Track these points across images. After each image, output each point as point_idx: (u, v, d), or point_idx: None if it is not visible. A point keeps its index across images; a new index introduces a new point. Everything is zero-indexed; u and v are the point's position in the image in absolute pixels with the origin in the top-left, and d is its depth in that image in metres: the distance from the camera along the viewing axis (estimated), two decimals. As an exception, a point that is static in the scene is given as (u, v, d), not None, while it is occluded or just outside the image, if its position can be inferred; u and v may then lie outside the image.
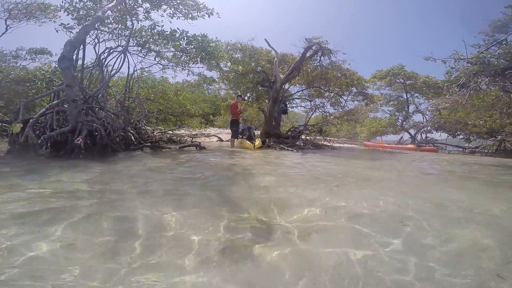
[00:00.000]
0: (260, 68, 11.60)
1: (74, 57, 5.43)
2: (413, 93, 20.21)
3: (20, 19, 9.31)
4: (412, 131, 20.22)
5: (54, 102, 5.04)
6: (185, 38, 7.87)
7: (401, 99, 20.82)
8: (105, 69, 7.40)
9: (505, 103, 8.44)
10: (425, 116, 20.03)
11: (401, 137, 21.03)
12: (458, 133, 17.42)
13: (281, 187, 2.82)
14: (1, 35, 8.72)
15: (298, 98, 14.43)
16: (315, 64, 10.05)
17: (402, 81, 19.49)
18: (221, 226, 1.73)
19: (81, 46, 5.70)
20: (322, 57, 9.45)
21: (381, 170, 4.67)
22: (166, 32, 7.80)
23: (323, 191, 2.72)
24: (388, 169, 4.97)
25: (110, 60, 7.59)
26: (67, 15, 6.80)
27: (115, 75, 10.03)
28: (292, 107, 16.49)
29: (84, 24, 6.15)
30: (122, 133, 5.74)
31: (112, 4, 6.40)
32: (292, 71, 8.95)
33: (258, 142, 8.60)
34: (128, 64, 8.47)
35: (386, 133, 22.05)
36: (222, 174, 3.61)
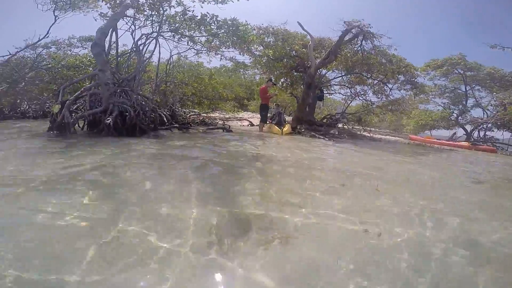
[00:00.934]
0: (295, 53, 11.00)
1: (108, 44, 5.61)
2: (474, 85, 17.64)
3: (66, 9, 9.88)
4: (469, 127, 17.85)
5: (87, 86, 5.31)
6: (216, 22, 7.78)
7: (459, 91, 18.34)
8: (143, 55, 7.68)
9: None
10: (487, 112, 17.46)
11: (455, 133, 18.73)
12: (526, 132, 14.92)
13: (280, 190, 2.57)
14: (51, 25, 9.42)
15: (336, 85, 13.49)
16: (356, 48, 9.14)
17: (462, 72, 17.05)
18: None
19: (113, 33, 5.83)
20: (363, 42, 8.52)
21: (418, 175, 4.10)
22: (197, 17, 7.76)
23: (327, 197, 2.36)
24: (429, 172, 4.36)
25: (148, 46, 7.86)
26: (105, 4, 7.09)
27: (151, 60, 10.58)
28: (331, 94, 15.57)
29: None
30: (152, 115, 5.89)
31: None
32: (328, 55, 8.30)
33: (286, 128, 8.32)
34: (160, 49, 8.58)
35: (437, 127, 19.87)
36: (228, 160, 3.47)
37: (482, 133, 17.31)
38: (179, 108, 9.61)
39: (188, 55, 11.02)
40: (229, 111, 14.45)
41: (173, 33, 8.33)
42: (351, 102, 13.31)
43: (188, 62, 12.18)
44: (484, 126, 16.71)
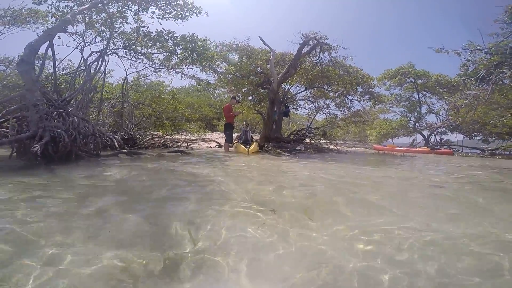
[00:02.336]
0: (260, 69, 10.99)
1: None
2: (425, 93, 19.09)
3: (10, 25, 9.15)
4: (426, 133, 19.06)
5: (11, 108, 4.56)
6: (172, 38, 7.49)
7: (413, 99, 19.73)
8: (92, 73, 7.03)
9: None
10: (439, 117, 18.87)
11: (414, 139, 19.91)
12: (476, 133, 16.19)
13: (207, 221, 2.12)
14: (-6, 41, 8.60)
15: (302, 100, 13.68)
16: (314, 61, 9.28)
17: (413, 80, 18.42)
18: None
19: (50, 49, 5.19)
20: (321, 54, 8.68)
21: (381, 186, 3.90)
22: (152, 34, 7.45)
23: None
24: (391, 181, 4.18)
25: (100, 64, 7.27)
26: (55, 20, 6.51)
27: (107, 79, 9.89)
28: (297, 109, 15.77)
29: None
30: (94, 140, 5.19)
31: (84, 6, 6.01)
32: (288, 69, 8.26)
33: (253, 146, 7.94)
34: (105, 68, 7.96)
35: (398, 136, 20.97)
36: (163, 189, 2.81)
37: (438, 137, 18.54)
38: (133, 132, 8.81)
39: (148, 74, 10.49)
40: (195, 132, 13.86)
41: (125, 50, 7.87)
42: (315, 116, 13.50)
43: (148, 81, 11.60)
44: (439, 130, 17.94)
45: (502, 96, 7.38)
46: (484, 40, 6.47)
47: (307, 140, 12.61)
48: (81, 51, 6.89)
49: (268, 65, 10.09)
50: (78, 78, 7.20)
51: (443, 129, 17.52)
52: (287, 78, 8.87)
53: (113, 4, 7.00)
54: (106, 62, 7.21)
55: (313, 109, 13.20)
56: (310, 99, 13.09)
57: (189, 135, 13.62)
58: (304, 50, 8.32)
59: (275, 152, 8.09)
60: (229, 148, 8.57)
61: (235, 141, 8.89)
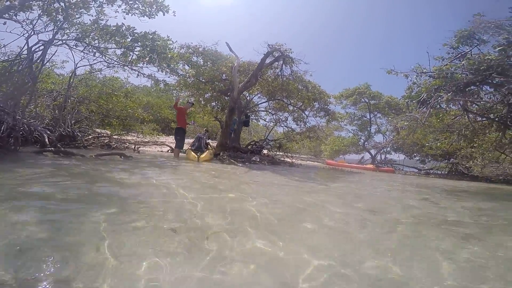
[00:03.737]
0: (224, 76, 10.77)
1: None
2: (376, 113, 20.72)
3: None
4: (373, 151, 20.61)
5: None
6: (131, 34, 6.95)
7: (365, 118, 21.25)
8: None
9: (463, 124, 8.30)
10: (385, 137, 20.59)
11: (362, 157, 21.36)
12: (415, 154, 17.97)
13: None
14: None
15: (263, 111, 13.78)
16: (277, 73, 9.39)
17: (367, 100, 19.90)
18: None
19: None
20: (283, 66, 8.83)
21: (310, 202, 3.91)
22: (111, 27, 6.85)
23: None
24: (322, 199, 4.24)
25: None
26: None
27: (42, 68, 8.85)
28: (258, 120, 15.85)
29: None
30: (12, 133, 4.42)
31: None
32: (250, 79, 8.20)
33: (204, 154, 7.61)
34: (45, 57, 7.12)
35: (349, 152, 22.31)
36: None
37: (384, 156, 20.16)
38: (72, 128, 7.89)
39: (103, 69, 9.52)
40: (147, 134, 12.97)
41: (76, 42, 7.08)
42: (272, 128, 13.67)
43: (101, 76, 10.58)
44: (384, 150, 19.56)
45: (439, 120, 8.15)
46: (431, 64, 7.10)
47: (265, 151, 12.69)
48: (27, 39, 6.02)
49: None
50: (15, 67, 6.23)
51: (388, 148, 19.13)
52: (248, 87, 8.80)
53: None
54: (53, 52, 6.53)
55: (272, 121, 13.33)
56: (271, 110, 13.27)
57: (140, 136, 12.70)
58: (268, 60, 8.35)
59: (227, 161, 7.87)
60: (180, 154, 8.11)
61: (188, 148, 8.45)
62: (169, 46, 7.34)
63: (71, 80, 8.59)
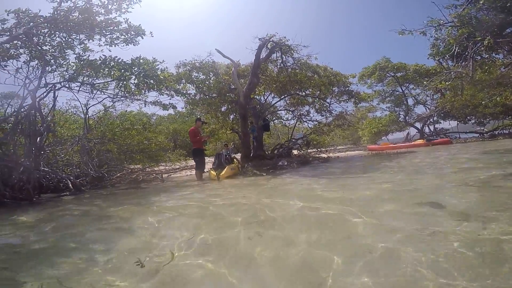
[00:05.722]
0: (233, 86, 10.25)
1: None
2: (407, 84, 18.55)
3: None
4: (419, 125, 18.30)
5: None
6: (117, 64, 6.82)
7: (397, 93, 19.13)
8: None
9: None
10: (427, 106, 18.20)
11: (408, 133, 19.10)
12: (469, 117, 15.43)
13: None
14: None
15: (282, 110, 12.89)
16: (278, 65, 8.53)
17: (393, 74, 17.91)
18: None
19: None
20: (284, 57, 7.95)
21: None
22: (97, 61, 6.81)
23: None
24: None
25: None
26: None
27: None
28: (280, 122, 14.94)
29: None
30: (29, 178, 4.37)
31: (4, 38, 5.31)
32: (250, 80, 7.50)
33: (224, 171, 7.02)
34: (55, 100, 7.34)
35: (391, 132, 20.19)
36: None
37: (432, 127, 17.77)
38: (95, 169, 7.95)
39: (117, 105, 9.69)
40: (175, 161, 12.94)
41: (69, 83, 7.20)
42: (294, 126, 12.70)
43: (119, 113, 10.81)
44: (431, 120, 17.21)
45: (486, 74, 6.59)
46: (444, 14, 5.78)
47: (295, 152, 11.74)
48: (26, 87, 6.20)
49: (241, 80, 9.34)
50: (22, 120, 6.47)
51: (435, 118, 16.79)
52: (253, 89, 8.10)
53: (57, 34, 6.43)
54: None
55: (294, 118, 12.41)
56: (291, 108, 12.34)
57: (169, 164, 12.68)
58: (264, 55, 7.58)
59: (251, 172, 7.18)
60: (204, 175, 7.65)
61: (210, 168, 7.97)
62: (157, 67, 7.01)
63: (87, 123, 8.85)
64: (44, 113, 7.37)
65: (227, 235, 1.92)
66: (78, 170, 8.31)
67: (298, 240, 1.70)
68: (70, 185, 6.07)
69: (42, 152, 6.94)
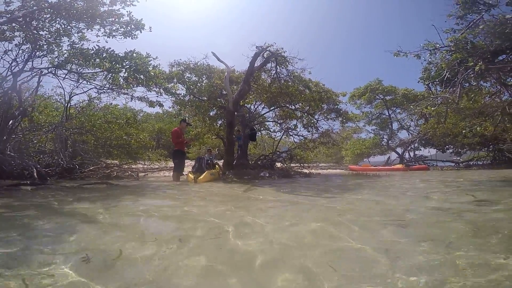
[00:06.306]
0: (224, 91, 10.14)
1: None
2: (394, 108, 19.17)
3: None
4: (400, 150, 18.86)
5: None
6: (110, 56, 6.61)
7: (384, 116, 19.71)
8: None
9: (501, 103, 6.89)
10: (411, 132, 18.84)
11: (389, 157, 19.60)
12: (448, 146, 16.04)
13: None
14: None
15: (271, 121, 12.87)
16: (272, 75, 8.51)
17: (382, 97, 18.49)
18: None
19: None
20: (278, 67, 7.96)
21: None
22: (90, 51, 6.59)
23: None
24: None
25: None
26: None
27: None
28: (268, 133, 14.90)
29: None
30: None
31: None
32: (242, 86, 7.44)
33: (203, 175, 6.83)
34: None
35: (373, 154, 20.66)
36: None
37: (412, 153, 18.32)
38: (65, 160, 7.55)
39: (103, 97, 9.32)
40: (154, 161, 12.54)
41: (55, 69, 6.90)
42: (280, 139, 12.70)
43: (104, 105, 10.39)
44: (412, 146, 17.76)
45: (471, 102, 6.83)
46: (442, 38, 5.96)
47: (278, 165, 11.68)
48: (11, 69, 5.92)
49: (235, 86, 9.25)
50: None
51: (416, 144, 17.36)
52: (243, 96, 8.03)
53: (58, 21, 6.22)
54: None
55: (280, 130, 12.41)
56: (279, 120, 12.35)
57: (147, 163, 12.27)
58: (258, 63, 7.57)
59: (230, 180, 7.04)
60: (181, 178, 7.40)
61: (189, 171, 7.74)
62: (149, 63, 6.85)
63: (68, 111, 8.44)
64: (25, 97, 7.06)
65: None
66: (49, 158, 7.93)
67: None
68: (35, 174, 5.75)
69: (13, 136, 6.60)
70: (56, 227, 2.14)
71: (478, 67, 4.45)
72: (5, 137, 5.84)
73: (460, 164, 15.10)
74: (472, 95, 5.98)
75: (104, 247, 1.63)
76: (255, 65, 7.39)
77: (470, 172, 10.13)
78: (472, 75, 4.71)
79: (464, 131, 9.67)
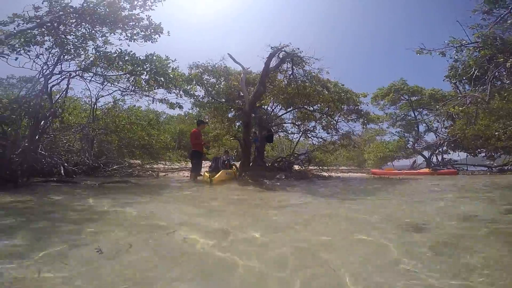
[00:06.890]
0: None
1: None
2: (420, 110, 18.18)
3: None
4: (427, 153, 17.83)
5: None
6: (130, 58, 6.90)
7: (409, 117, 18.76)
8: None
9: None
10: (438, 135, 17.76)
11: (414, 161, 18.61)
12: (479, 150, 14.92)
13: None
14: None
15: (289, 123, 12.74)
16: (288, 76, 8.40)
17: (407, 97, 17.62)
18: None
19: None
20: (294, 68, 7.85)
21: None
22: (113, 54, 6.94)
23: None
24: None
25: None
26: None
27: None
28: (287, 135, 14.74)
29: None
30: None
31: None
32: (257, 88, 7.43)
33: (218, 174, 6.91)
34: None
35: (398, 158, 19.74)
36: None
37: (440, 157, 17.27)
38: (91, 159, 7.96)
39: (126, 99, 9.84)
40: (174, 161, 12.88)
41: (83, 72, 7.32)
42: (298, 141, 12.51)
43: (128, 107, 10.87)
44: (440, 149, 16.74)
45: (504, 101, 6.27)
46: (468, 34, 5.54)
47: (296, 167, 11.53)
48: (43, 73, 6.32)
49: (251, 88, 9.29)
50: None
51: (444, 147, 16.35)
52: (258, 97, 8.02)
53: (83, 26, 6.62)
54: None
55: (298, 132, 12.25)
56: (296, 122, 12.19)
57: (168, 164, 12.63)
58: (274, 64, 7.52)
59: (245, 182, 7.04)
60: (198, 178, 7.54)
61: (206, 171, 7.87)
62: (168, 65, 7.04)
63: (94, 113, 8.94)
64: (55, 99, 7.55)
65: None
66: (77, 157, 8.42)
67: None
68: (62, 172, 6.18)
69: (46, 136, 7.07)
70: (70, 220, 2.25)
71: (510, 64, 4.09)
72: (37, 137, 6.26)
73: (493, 168, 14.02)
74: (505, 94, 5.50)
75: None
76: (270, 66, 7.36)
77: (503, 177, 9.36)
78: (504, 73, 4.33)
79: (497, 133, 8.92)
